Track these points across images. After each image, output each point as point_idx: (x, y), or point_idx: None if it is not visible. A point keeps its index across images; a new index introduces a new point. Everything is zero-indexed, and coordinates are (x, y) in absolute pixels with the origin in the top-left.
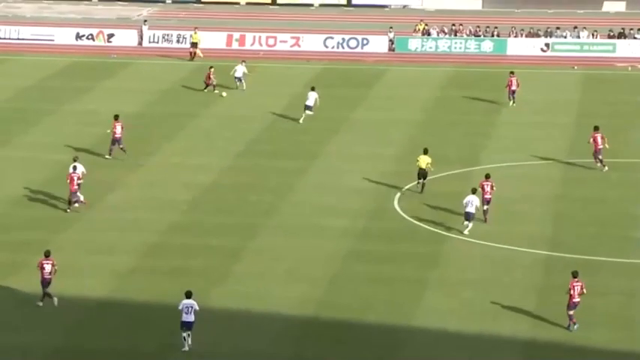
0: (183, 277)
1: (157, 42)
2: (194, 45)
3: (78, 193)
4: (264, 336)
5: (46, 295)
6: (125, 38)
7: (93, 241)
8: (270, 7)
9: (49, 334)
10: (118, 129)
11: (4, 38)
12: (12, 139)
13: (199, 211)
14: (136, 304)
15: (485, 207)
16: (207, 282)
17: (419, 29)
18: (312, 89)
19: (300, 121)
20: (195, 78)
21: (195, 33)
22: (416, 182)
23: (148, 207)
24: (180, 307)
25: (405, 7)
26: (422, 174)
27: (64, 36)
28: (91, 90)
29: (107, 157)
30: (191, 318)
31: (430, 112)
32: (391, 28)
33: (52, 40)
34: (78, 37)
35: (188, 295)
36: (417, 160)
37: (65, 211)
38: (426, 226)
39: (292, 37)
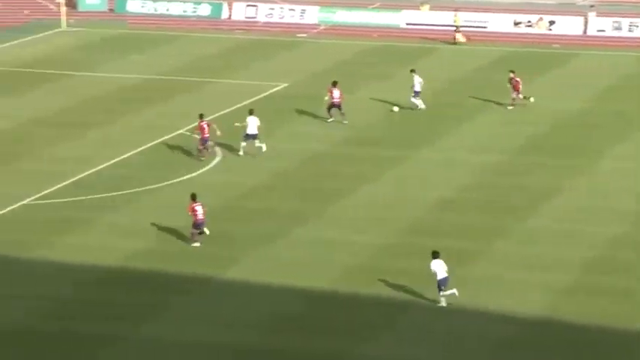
0: (629, 299)
1: (605, 31)
2: (457, 29)
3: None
4: None
5: (201, 233)
6: (568, 26)
7: (526, 254)
8: None
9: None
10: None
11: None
12: (437, 140)
13: None
14: (574, 326)
15: None
16: None
17: None
18: None
19: None
20: None
21: (456, 16)
22: None
23: (591, 217)
24: (433, 269)
25: None
26: None
27: (500, 22)
28: (530, 84)
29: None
30: (444, 275)
31: None
32: None
33: (485, 28)
34: (515, 24)
35: (436, 256)
36: None
37: None
38: None
39: None
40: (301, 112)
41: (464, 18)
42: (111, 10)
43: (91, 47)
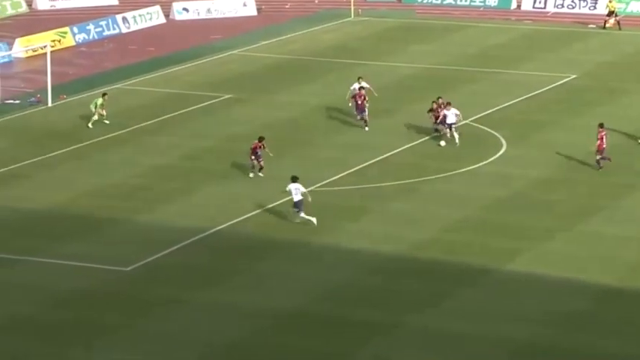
0: None
1: None
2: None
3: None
4: None
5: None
6: None
7: None
8: None
9: None
10: None
11: None
12: None
13: None
14: None
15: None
16: None
17: None
18: None
19: None
20: None
21: (611, 2)
22: None
23: None
24: (288, 189)
25: None
26: None
27: None
28: None
29: None
30: (299, 197)
31: None
32: None
33: None
34: None
35: (294, 180)
36: None
37: None
38: None
39: None
40: (590, 104)
41: None
42: (399, 0)
43: (378, 36)
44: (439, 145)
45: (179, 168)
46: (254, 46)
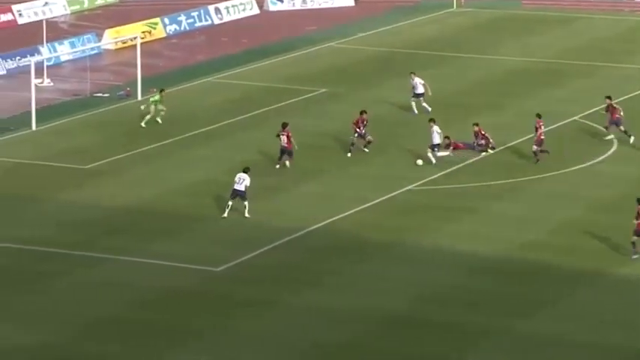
0: None
1: None
2: None
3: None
4: None
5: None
6: None
7: None
8: None
9: None
10: None
11: None
12: None
13: None
14: None
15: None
16: None
17: None
18: None
19: None
20: None
21: None
22: None
23: None
24: (235, 179)
25: None
26: None
27: None
28: None
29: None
30: (241, 188)
31: None
32: None
33: None
34: None
35: (245, 171)
36: None
37: None
38: None
39: None
40: None
41: None
42: None
43: (482, 28)
44: (416, 164)
45: (272, 165)
46: (351, 38)
